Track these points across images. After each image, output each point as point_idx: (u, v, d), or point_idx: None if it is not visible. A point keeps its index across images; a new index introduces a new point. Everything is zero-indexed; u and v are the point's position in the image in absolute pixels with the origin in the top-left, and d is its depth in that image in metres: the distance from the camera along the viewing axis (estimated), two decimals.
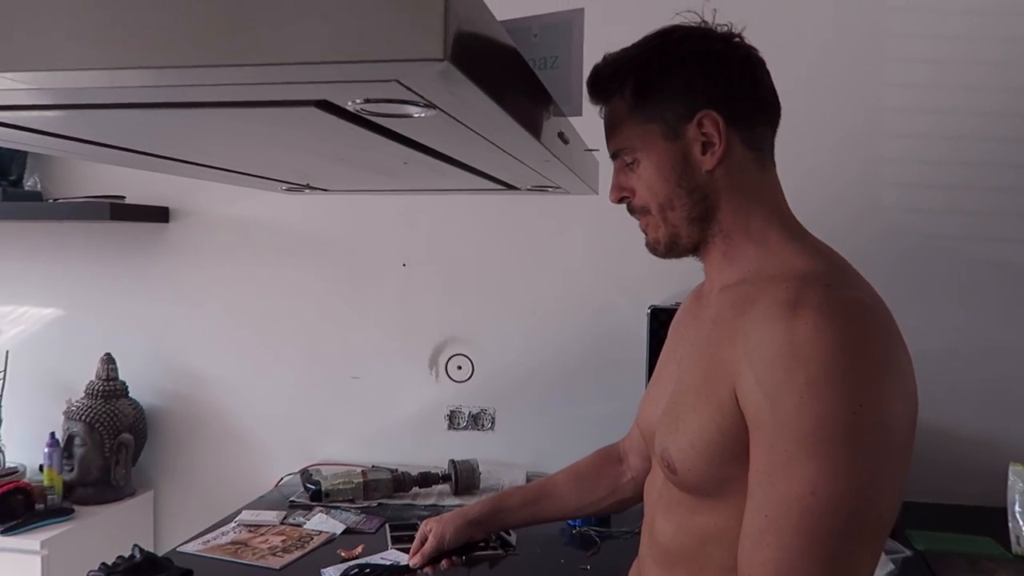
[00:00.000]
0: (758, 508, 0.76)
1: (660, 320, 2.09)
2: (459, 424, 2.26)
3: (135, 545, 1.40)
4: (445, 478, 2.01)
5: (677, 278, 2.13)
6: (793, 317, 0.76)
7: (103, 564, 1.34)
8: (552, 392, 2.20)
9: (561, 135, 0.88)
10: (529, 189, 1.23)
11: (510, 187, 1.21)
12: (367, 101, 0.53)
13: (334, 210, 2.27)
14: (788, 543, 0.73)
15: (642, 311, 2.10)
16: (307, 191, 1.27)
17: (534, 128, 0.69)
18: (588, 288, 2.18)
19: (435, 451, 2.22)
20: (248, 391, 2.33)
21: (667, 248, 0.95)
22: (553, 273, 2.20)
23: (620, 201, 0.97)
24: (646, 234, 0.97)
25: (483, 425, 2.25)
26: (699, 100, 0.87)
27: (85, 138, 0.72)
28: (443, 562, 1.30)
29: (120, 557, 1.37)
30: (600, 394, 2.18)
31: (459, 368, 2.25)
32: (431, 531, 1.29)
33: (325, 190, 1.26)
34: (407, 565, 1.31)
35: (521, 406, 2.23)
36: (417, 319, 2.26)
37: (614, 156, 0.96)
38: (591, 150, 1.17)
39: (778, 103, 0.93)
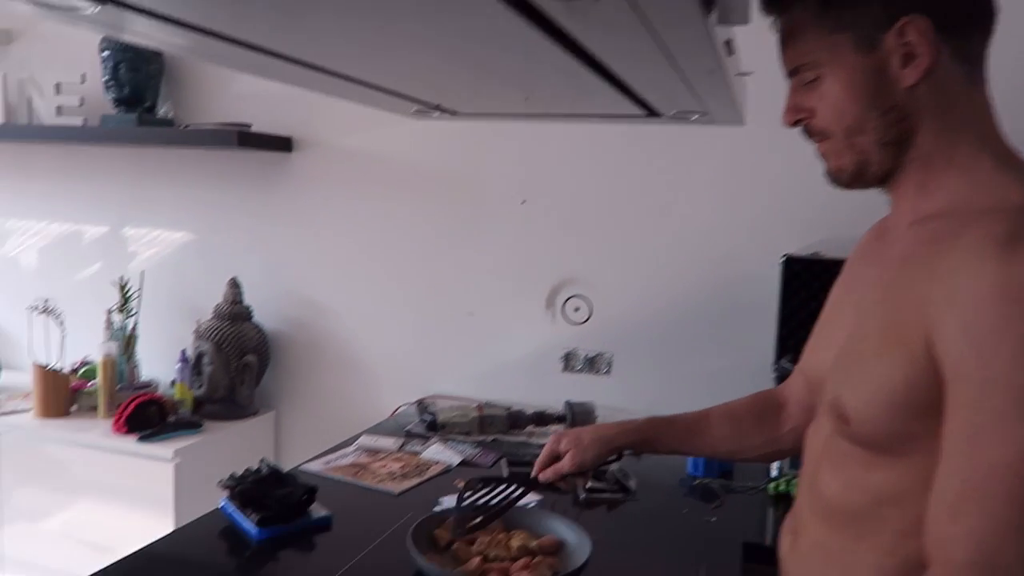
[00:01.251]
0: (956, 472, 0.67)
1: (794, 270, 1.96)
2: (574, 366, 2.21)
3: (262, 459, 1.43)
4: (560, 419, 1.98)
5: (815, 226, 1.99)
6: (1010, 253, 0.65)
7: (232, 475, 1.38)
8: (672, 340, 2.12)
9: (728, 44, 0.78)
10: (672, 116, 1.14)
11: (651, 113, 1.12)
12: None
13: (455, 144, 2.23)
14: (995, 512, 0.64)
15: (775, 260, 1.98)
16: (435, 115, 1.22)
17: (708, 28, 0.61)
18: (716, 233, 2.07)
19: (549, 392, 2.19)
20: (366, 322, 2.36)
21: (852, 177, 0.84)
22: (679, 215, 2.09)
23: (795, 124, 0.87)
24: (826, 160, 0.87)
25: (599, 369, 2.20)
26: (900, 3, 0.75)
27: (225, 33, 0.69)
28: (564, 482, 1.25)
29: (248, 469, 1.41)
30: (722, 347, 2.09)
31: (576, 310, 2.20)
32: (567, 451, 1.23)
33: (454, 113, 1.21)
34: (532, 479, 1.25)
35: (639, 353, 2.16)
36: (535, 258, 2.21)
37: (791, 74, 0.85)
38: (744, 74, 1.07)
39: (994, 5, 0.79)
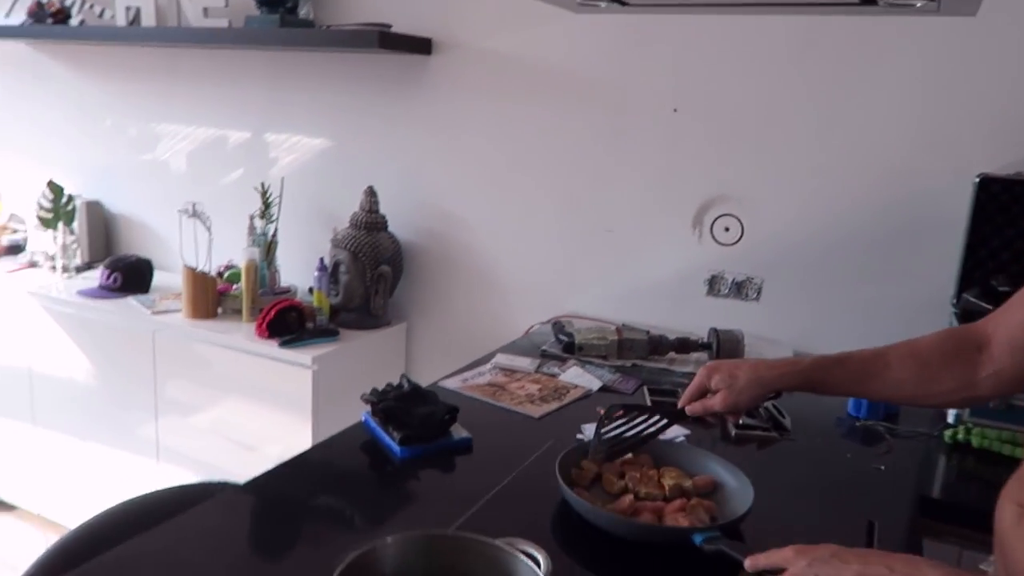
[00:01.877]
0: None
1: (991, 192, 1.72)
2: (720, 291, 2.07)
3: (403, 375, 1.40)
4: (705, 346, 1.85)
5: (1017, 143, 1.72)
6: None
7: (374, 389, 1.36)
8: (831, 266, 1.93)
9: None
10: (893, 3, 0.95)
11: (869, 1, 0.94)
12: None
13: (602, 48, 2.06)
14: None
15: (967, 180, 1.74)
16: (603, 5, 1.08)
17: None
18: (898, 145, 1.83)
19: (691, 317, 2.06)
20: (500, 235, 2.28)
21: None
22: (850, 125, 1.86)
23: None
24: None
25: (747, 295, 2.04)
26: None
27: None
28: (713, 418, 1.17)
29: (389, 385, 1.38)
30: (890, 274, 1.88)
31: (726, 230, 2.03)
32: (719, 389, 1.14)
33: (624, 3, 1.06)
34: (679, 410, 1.18)
35: (793, 278, 1.98)
36: (684, 172, 2.04)
37: None
38: None
39: None
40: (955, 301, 1.76)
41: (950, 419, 1.57)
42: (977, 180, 1.72)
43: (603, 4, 1.06)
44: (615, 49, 2.04)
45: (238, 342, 2.14)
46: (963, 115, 1.76)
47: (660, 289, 2.11)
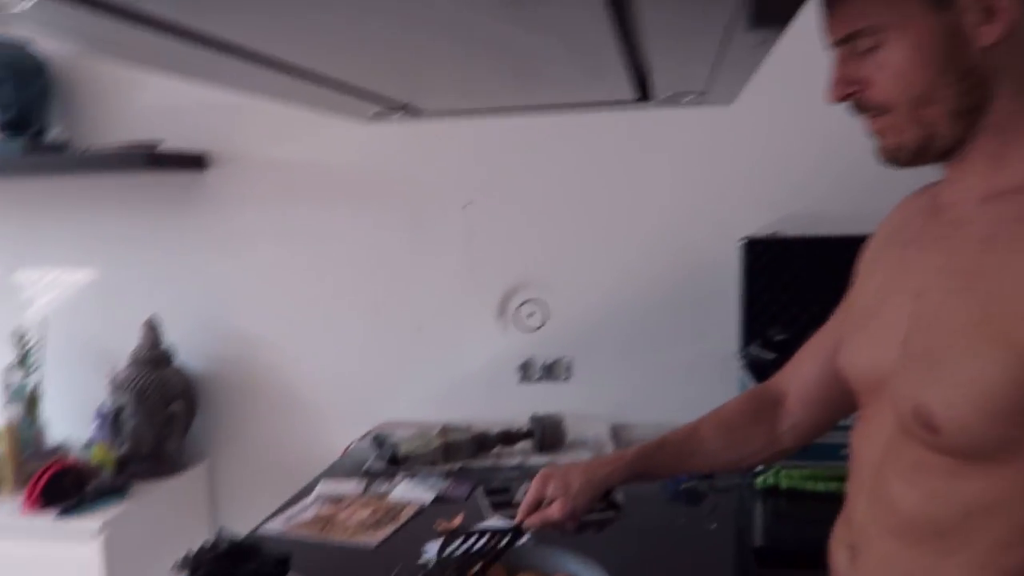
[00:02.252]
0: None
1: (755, 252, 1.91)
2: (533, 376, 2.10)
3: (220, 529, 1.24)
4: (528, 434, 1.85)
5: (773, 205, 1.94)
6: None
7: (187, 554, 1.19)
8: (635, 336, 2.03)
9: None
10: (664, 99, 1.03)
11: (643, 98, 1.01)
12: None
13: (390, 148, 2.06)
14: None
15: (734, 244, 1.92)
16: (398, 116, 1.08)
17: None
18: (673, 221, 1.99)
19: (509, 405, 2.06)
20: (303, 350, 2.17)
21: (914, 154, 0.74)
22: (633, 206, 2.00)
23: (845, 99, 0.76)
24: (882, 138, 0.76)
25: (559, 375, 2.09)
26: None
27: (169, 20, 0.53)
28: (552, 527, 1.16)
29: (204, 544, 1.22)
30: (687, 338, 2.01)
31: (531, 315, 2.08)
32: (555, 498, 1.13)
33: (420, 112, 1.06)
34: (518, 528, 1.15)
35: (601, 353, 2.06)
36: (484, 263, 2.07)
37: (841, 42, 0.75)
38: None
39: None
40: (741, 354, 1.92)
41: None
42: (742, 243, 1.91)
43: (398, 115, 1.06)
44: (407, 148, 2.06)
45: (2, 521, 1.81)
46: (726, 186, 1.96)
47: (475, 381, 2.10)
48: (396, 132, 2.03)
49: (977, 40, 0.68)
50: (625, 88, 0.92)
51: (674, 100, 1.04)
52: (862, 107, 0.75)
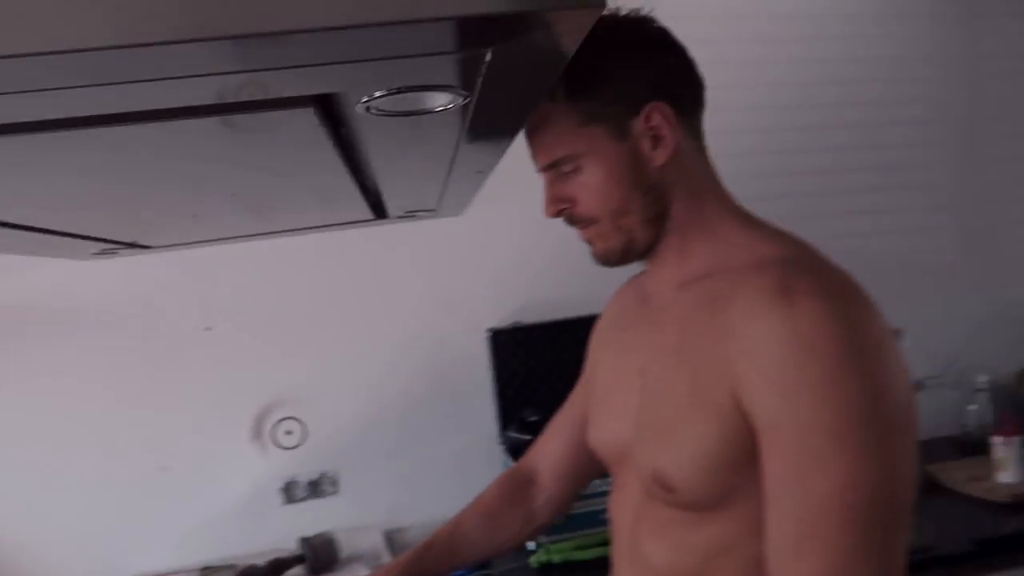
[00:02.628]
0: (788, 515, 0.71)
1: (500, 342, 2.03)
2: (297, 495, 2.01)
3: None
4: (299, 559, 1.77)
5: (512, 296, 2.09)
6: (789, 307, 0.71)
7: None
8: (399, 437, 2.04)
9: None
10: (399, 216, 1.10)
11: (378, 217, 1.07)
12: (398, 91, 0.39)
13: (115, 278, 1.91)
14: (835, 544, 0.68)
15: (480, 335, 2.03)
16: (122, 252, 1.03)
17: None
18: (420, 321, 2.06)
19: (275, 531, 1.95)
20: (28, 511, 1.88)
21: (621, 256, 0.87)
22: (379, 311, 2.04)
23: (558, 215, 0.87)
24: (593, 245, 0.88)
25: (325, 491, 2.02)
26: (643, 92, 0.81)
27: None
28: None
29: None
30: (451, 429, 2.07)
31: (289, 433, 2.00)
32: None
33: (148, 247, 1.03)
34: None
35: (367, 460, 2.03)
36: (232, 387, 1.97)
37: (550, 167, 0.85)
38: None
39: (704, 83, 0.89)
40: (501, 439, 2.01)
41: (531, 545, 1.75)
42: (488, 333, 2.03)
43: (123, 251, 1.01)
44: (129, 278, 1.92)
45: None
46: (463, 282, 2.07)
47: (235, 512, 1.97)
48: (125, 262, 1.90)
49: (652, 161, 0.82)
50: (361, 211, 0.97)
51: (409, 216, 1.11)
52: (572, 221, 0.87)
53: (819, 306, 0.71)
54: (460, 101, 0.41)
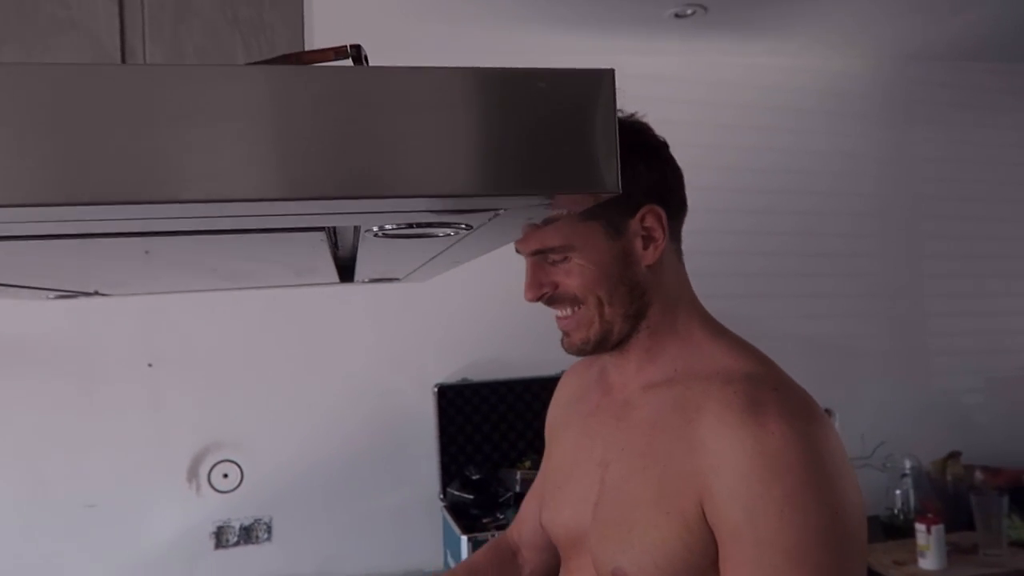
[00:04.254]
0: None
1: (448, 398, 2.04)
2: (228, 540, 1.97)
3: None
4: None
5: (460, 354, 2.10)
6: (757, 426, 0.74)
7: None
8: (337, 488, 2.02)
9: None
10: (365, 282, 1.11)
11: (343, 282, 1.08)
12: (409, 226, 0.42)
13: (56, 312, 1.87)
14: None
15: (428, 391, 2.04)
16: (81, 298, 1.02)
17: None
18: (368, 373, 2.06)
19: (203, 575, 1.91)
20: None
21: (595, 347, 0.88)
22: (328, 363, 2.04)
23: (540, 298, 0.88)
24: (569, 333, 0.88)
25: (257, 537, 1.98)
26: (641, 194, 0.83)
27: None
28: None
29: None
30: (390, 484, 2.05)
31: (225, 476, 1.97)
32: None
33: (109, 295, 1.02)
34: None
35: (302, 509, 2.01)
36: (171, 427, 1.94)
37: (536, 254, 0.86)
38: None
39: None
40: (442, 496, 2.01)
41: None
42: (436, 389, 2.04)
43: (80, 298, 1.00)
44: (71, 313, 1.88)
45: None
46: (412, 339, 2.08)
47: (164, 554, 1.91)
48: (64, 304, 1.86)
49: (642, 261, 0.85)
50: (330, 278, 0.98)
51: (375, 282, 1.13)
52: (554, 302, 0.89)
53: (785, 428, 0.73)
54: (464, 234, 0.44)
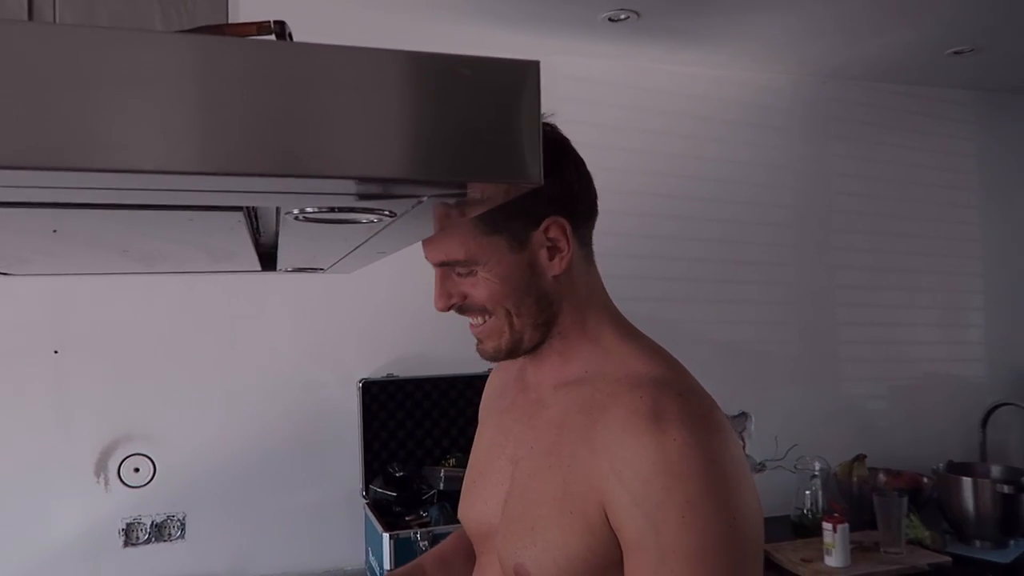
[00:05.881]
0: None
1: (372, 393, 2.02)
2: (138, 538, 1.90)
3: None
4: None
5: (386, 349, 2.09)
6: (660, 433, 0.76)
7: None
8: (254, 484, 1.98)
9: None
10: (288, 271, 1.09)
11: (265, 270, 1.06)
12: (331, 210, 0.41)
13: None
14: None
15: (352, 385, 2.01)
16: None
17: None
18: (290, 366, 2.02)
19: (110, 575, 1.83)
20: None
21: (507, 354, 0.88)
22: (248, 353, 1.99)
23: (450, 308, 0.88)
24: (482, 341, 0.89)
25: (170, 535, 1.92)
26: (543, 206, 0.83)
27: None
28: None
29: None
30: (310, 479, 2.02)
31: (136, 470, 1.90)
32: None
33: (9, 274, 0.97)
34: None
35: (217, 505, 1.95)
36: (77, 417, 1.86)
37: (441, 265, 0.86)
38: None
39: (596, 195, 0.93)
40: (364, 492, 1.99)
41: None
42: (360, 384, 2.01)
43: None
44: None
45: None
46: (338, 332, 2.06)
47: (69, 552, 1.83)
48: None
49: (548, 271, 0.86)
50: (251, 264, 0.96)
51: (298, 271, 1.11)
52: (464, 310, 0.89)
53: (686, 435, 0.75)
54: (387, 221, 0.44)
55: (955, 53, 2.25)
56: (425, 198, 0.38)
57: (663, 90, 2.34)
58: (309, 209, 0.41)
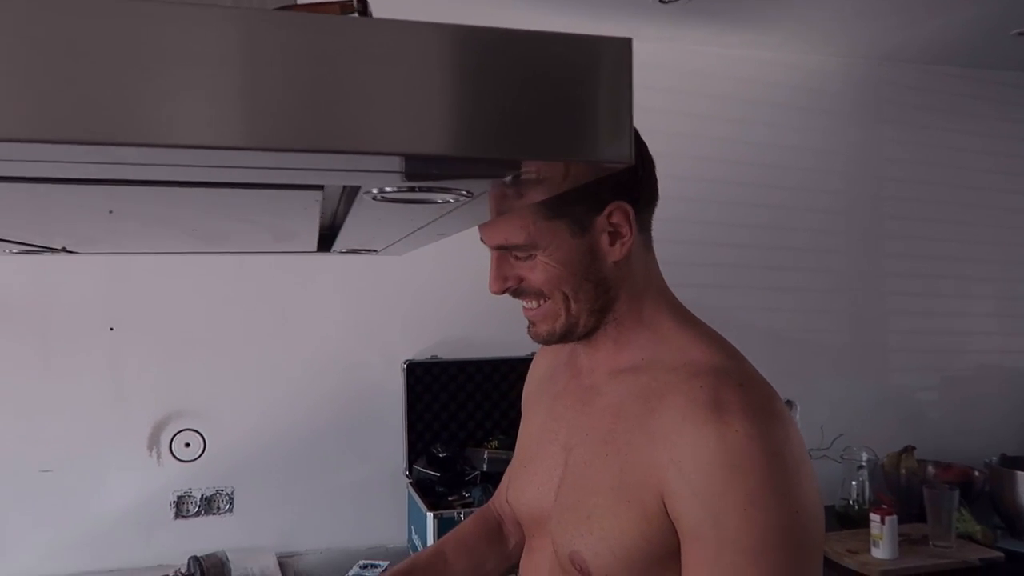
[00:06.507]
0: None
1: (416, 375, 2.04)
2: (189, 510, 1.95)
3: None
4: None
5: (430, 331, 2.10)
6: (721, 423, 0.74)
7: None
8: (300, 461, 2.01)
9: None
10: (342, 252, 1.10)
11: (320, 251, 1.07)
12: (411, 189, 0.41)
13: (13, 270, 1.82)
14: None
15: (396, 367, 2.03)
16: (47, 254, 0.99)
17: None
18: (336, 347, 2.04)
19: (163, 545, 1.89)
20: None
21: (560, 339, 0.88)
22: (296, 333, 2.02)
23: (505, 291, 0.88)
24: (536, 324, 0.88)
25: (219, 508, 1.97)
26: (608, 191, 0.82)
27: None
28: None
29: None
30: (355, 458, 2.05)
31: (187, 445, 1.94)
32: None
33: (76, 253, 0.99)
34: None
35: (264, 481, 1.99)
36: (133, 392, 1.91)
37: (499, 248, 0.86)
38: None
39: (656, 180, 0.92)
40: (408, 472, 2.01)
41: None
42: (404, 365, 2.03)
43: (48, 254, 0.97)
44: (29, 271, 1.83)
45: None
46: (383, 313, 2.07)
47: (122, 523, 1.89)
48: (22, 261, 1.81)
49: (609, 257, 0.84)
50: (309, 245, 0.97)
51: (352, 252, 1.12)
52: (519, 294, 0.88)
53: (747, 426, 0.74)
54: (464, 201, 0.44)
55: (1020, 34, 2.18)
56: (508, 179, 0.38)
57: (711, 73, 2.31)
58: (389, 188, 0.42)
